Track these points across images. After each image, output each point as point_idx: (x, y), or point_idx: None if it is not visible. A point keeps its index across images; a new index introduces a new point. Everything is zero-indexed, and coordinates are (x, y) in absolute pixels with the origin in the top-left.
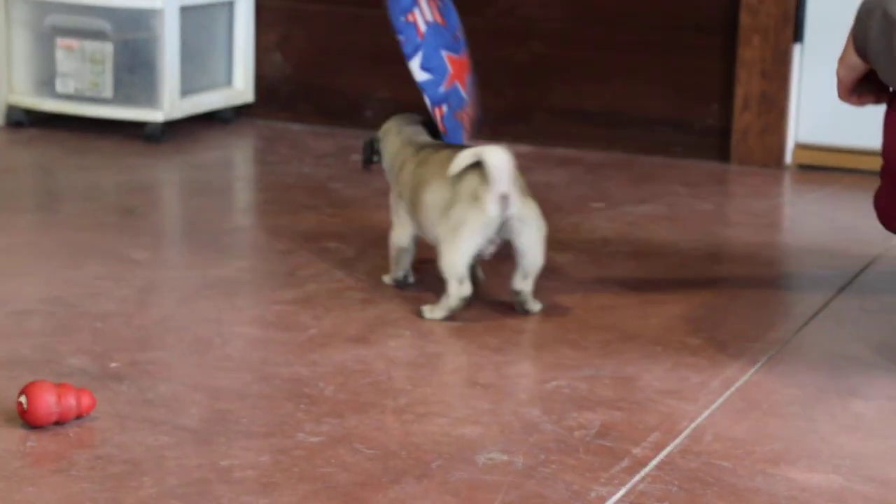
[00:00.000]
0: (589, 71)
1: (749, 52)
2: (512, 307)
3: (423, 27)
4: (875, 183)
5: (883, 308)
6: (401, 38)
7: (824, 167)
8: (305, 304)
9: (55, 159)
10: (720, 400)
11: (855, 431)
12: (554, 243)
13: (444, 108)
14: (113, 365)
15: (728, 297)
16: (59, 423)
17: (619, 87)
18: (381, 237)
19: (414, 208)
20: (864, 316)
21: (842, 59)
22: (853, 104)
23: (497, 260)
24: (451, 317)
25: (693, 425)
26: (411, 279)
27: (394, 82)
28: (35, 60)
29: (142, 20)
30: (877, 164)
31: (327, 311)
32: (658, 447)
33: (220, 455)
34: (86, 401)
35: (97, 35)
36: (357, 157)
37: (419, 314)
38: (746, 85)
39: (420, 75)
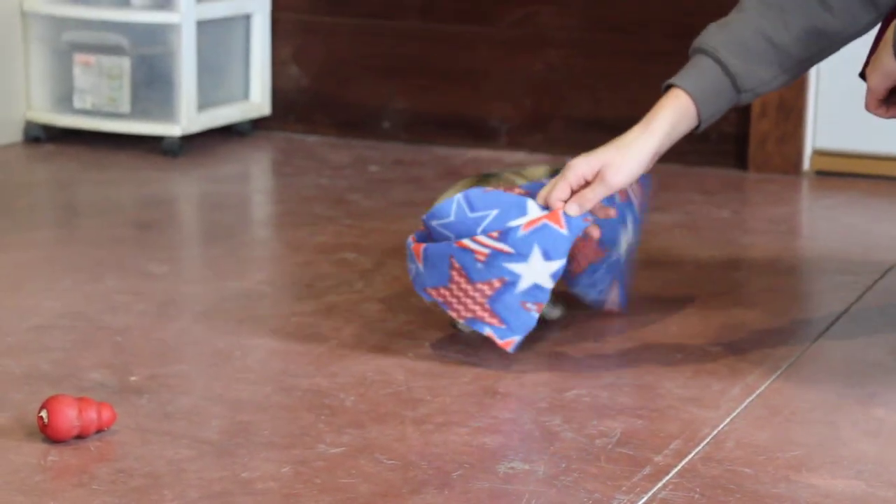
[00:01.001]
0: (605, 79)
1: None
2: None
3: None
4: (894, 188)
5: None
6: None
7: (842, 173)
8: (325, 315)
9: (73, 174)
10: (741, 407)
11: (877, 437)
12: None
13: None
14: (133, 378)
15: (747, 305)
16: (79, 437)
17: (636, 95)
18: (399, 248)
19: None
20: (885, 321)
21: (875, 67)
22: (881, 115)
23: None
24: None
25: (714, 432)
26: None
27: (410, 93)
28: (52, 76)
29: (158, 35)
30: (894, 169)
31: (347, 322)
32: (680, 455)
33: (241, 467)
34: (106, 414)
35: (114, 50)
36: (375, 168)
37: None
38: None
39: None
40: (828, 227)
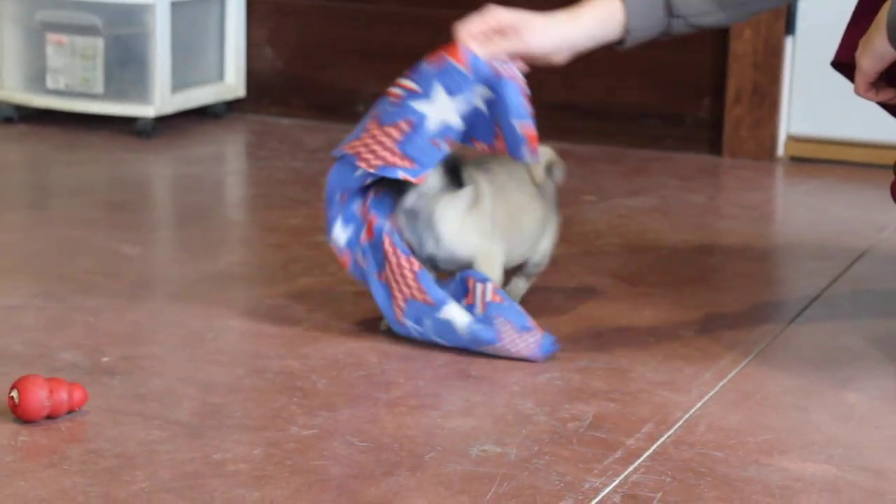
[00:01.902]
0: (580, 65)
1: (741, 45)
2: None
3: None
4: (867, 174)
5: (875, 299)
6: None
7: (816, 159)
8: (298, 297)
9: (45, 155)
10: (713, 391)
11: (848, 421)
12: None
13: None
14: (105, 359)
15: (720, 289)
16: (50, 417)
17: (611, 80)
18: None
19: None
20: (857, 307)
21: (866, 48)
22: (870, 99)
23: None
24: None
25: (686, 416)
26: None
27: (385, 76)
28: (25, 56)
29: (133, 15)
30: (868, 155)
31: (320, 305)
32: (651, 438)
33: (212, 449)
34: (77, 395)
35: (88, 30)
36: None
37: None
38: (738, 78)
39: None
40: (801, 212)
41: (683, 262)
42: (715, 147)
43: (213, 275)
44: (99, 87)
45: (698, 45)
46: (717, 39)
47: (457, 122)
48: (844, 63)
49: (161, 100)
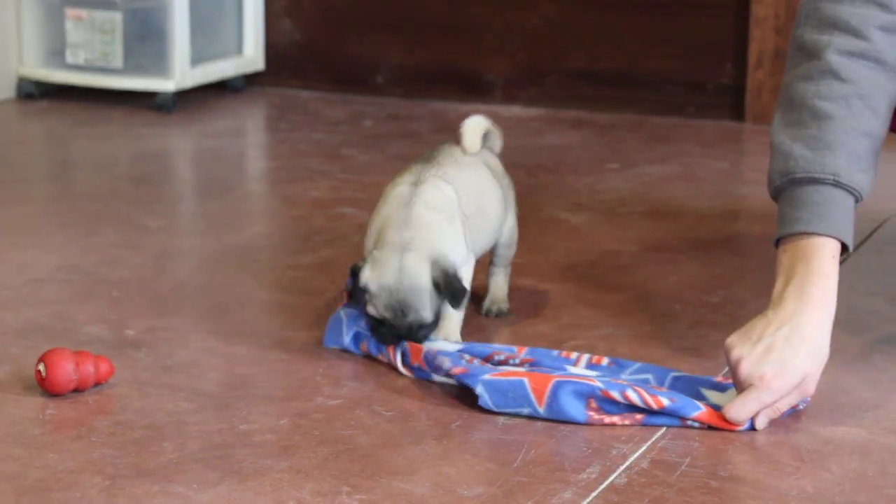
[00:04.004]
0: (601, 32)
1: (762, 9)
2: (531, 270)
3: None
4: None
5: None
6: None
7: None
8: (321, 268)
9: (67, 130)
10: None
11: (877, 384)
12: (570, 205)
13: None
14: (130, 332)
15: (746, 255)
16: (77, 390)
17: (632, 47)
18: None
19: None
20: (884, 270)
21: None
22: None
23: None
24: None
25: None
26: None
27: (405, 47)
28: (44, 32)
29: None
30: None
31: (343, 276)
32: None
33: (239, 419)
34: (104, 368)
35: (106, 5)
36: (370, 123)
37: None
38: (760, 42)
39: None
40: None
41: (708, 228)
42: (737, 113)
43: (236, 247)
44: (118, 62)
45: (719, 10)
46: (738, 4)
47: None
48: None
49: (181, 74)
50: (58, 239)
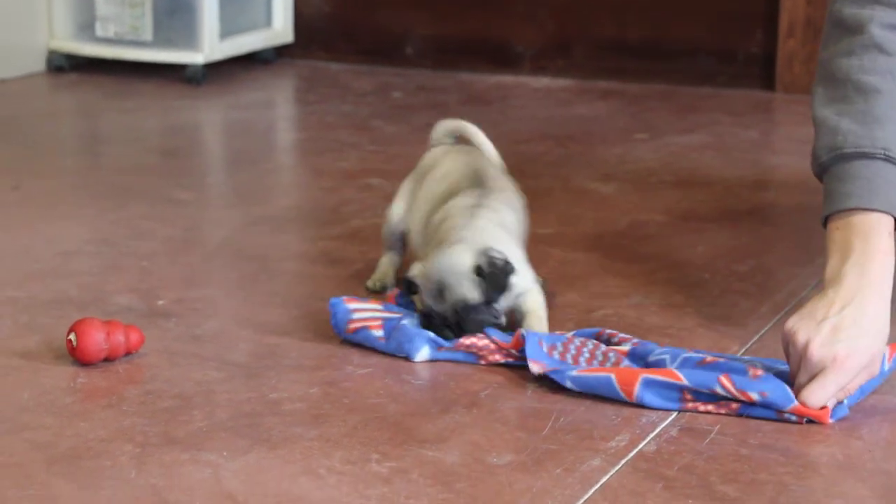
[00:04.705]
0: (630, 1)
1: None
2: (560, 240)
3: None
4: None
5: None
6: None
7: None
8: (351, 239)
9: (97, 103)
10: (769, 325)
11: None
12: (599, 175)
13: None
14: (160, 302)
15: (775, 224)
16: (108, 359)
17: (661, 17)
18: None
19: None
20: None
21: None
22: None
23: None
24: None
25: (743, 350)
26: None
27: (433, 19)
28: (74, 5)
29: None
30: None
31: (372, 247)
32: None
33: (269, 388)
34: (134, 337)
35: None
36: (398, 94)
37: None
38: (791, 11)
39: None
40: None
41: (737, 197)
42: (768, 82)
43: (265, 218)
44: (148, 35)
45: None
46: None
47: None
48: None
49: (210, 46)
50: (88, 212)
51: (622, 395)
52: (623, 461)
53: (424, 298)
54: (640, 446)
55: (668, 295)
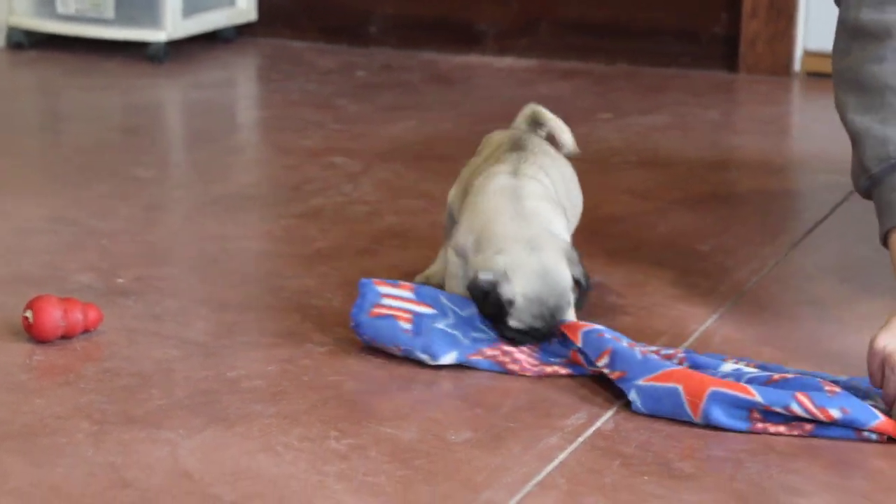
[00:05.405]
0: None
1: None
2: None
3: None
4: None
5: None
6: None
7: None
8: (312, 217)
9: (57, 81)
10: (729, 303)
11: (862, 331)
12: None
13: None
14: (119, 281)
15: (736, 204)
16: (65, 337)
17: None
18: (387, 152)
19: None
20: (873, 219)
21: None
22: None
23: None
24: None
25: (702, 328)
26: None
27: None
28: None
29: None
30: None
31: (334, 225)
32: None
33: (227, 366)
34: (92, 315)
35: None
36: (362, 73)
37: None
38: None
39: None
40: (818, 127)
41: (699, 177)
42: (731, 63)
43: (226, 196)
44: (110, 12)
45: None
46: None
47: None
48: None
49: (172, 24)
50: (47, 190)
51: (689, 412)
52: (581, 439)
53: (523, 319)
54: (598, 424)
55: (629, 274)
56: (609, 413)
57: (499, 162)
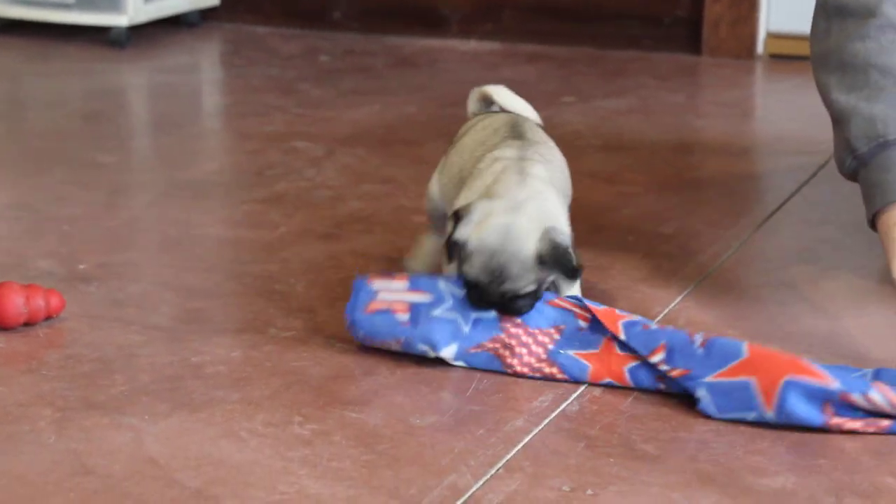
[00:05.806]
0: None
1: None
2: None
3: None
4: None
5: (855, 191)
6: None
7: (796, 56)
8: (275, 202)
9: (17, 66)
10: (692, 285)
11: (826, 311)
12: None
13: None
14: (81, 267)
15: (700, 187)
16: (28, 323)
17: None
18: (350, 136)
19: None
20: (836, 200)
21: None
22: None
23: None
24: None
25: (666, 311)
26: None
27: None
28: None
29: None
30: None
31: (297, 210)
32: None
33: (191, 352)
34: (55, 301)
35: None
36: (325, 58)
37: None
38: None
39: None
40: (781, 109)
41: (663, 160)
42: (694, 46)
43: (189, 182)
44: None
45: None
46: None
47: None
48: None
49: (134, 9)
50: (7, 176)
51: (761, 406)
52: (546, 421)
53: (473, 267)
54: (563, 406)
55: (594, 257)
56: (574, 395)
57: (501, 147)
